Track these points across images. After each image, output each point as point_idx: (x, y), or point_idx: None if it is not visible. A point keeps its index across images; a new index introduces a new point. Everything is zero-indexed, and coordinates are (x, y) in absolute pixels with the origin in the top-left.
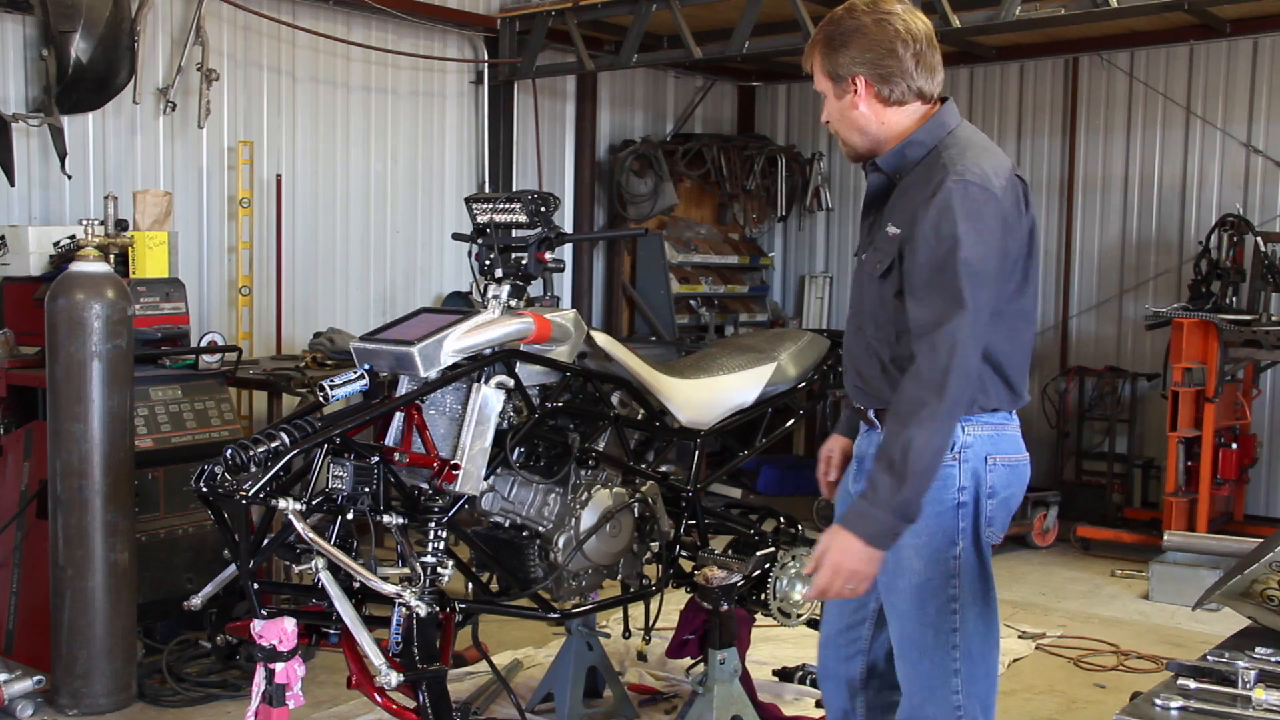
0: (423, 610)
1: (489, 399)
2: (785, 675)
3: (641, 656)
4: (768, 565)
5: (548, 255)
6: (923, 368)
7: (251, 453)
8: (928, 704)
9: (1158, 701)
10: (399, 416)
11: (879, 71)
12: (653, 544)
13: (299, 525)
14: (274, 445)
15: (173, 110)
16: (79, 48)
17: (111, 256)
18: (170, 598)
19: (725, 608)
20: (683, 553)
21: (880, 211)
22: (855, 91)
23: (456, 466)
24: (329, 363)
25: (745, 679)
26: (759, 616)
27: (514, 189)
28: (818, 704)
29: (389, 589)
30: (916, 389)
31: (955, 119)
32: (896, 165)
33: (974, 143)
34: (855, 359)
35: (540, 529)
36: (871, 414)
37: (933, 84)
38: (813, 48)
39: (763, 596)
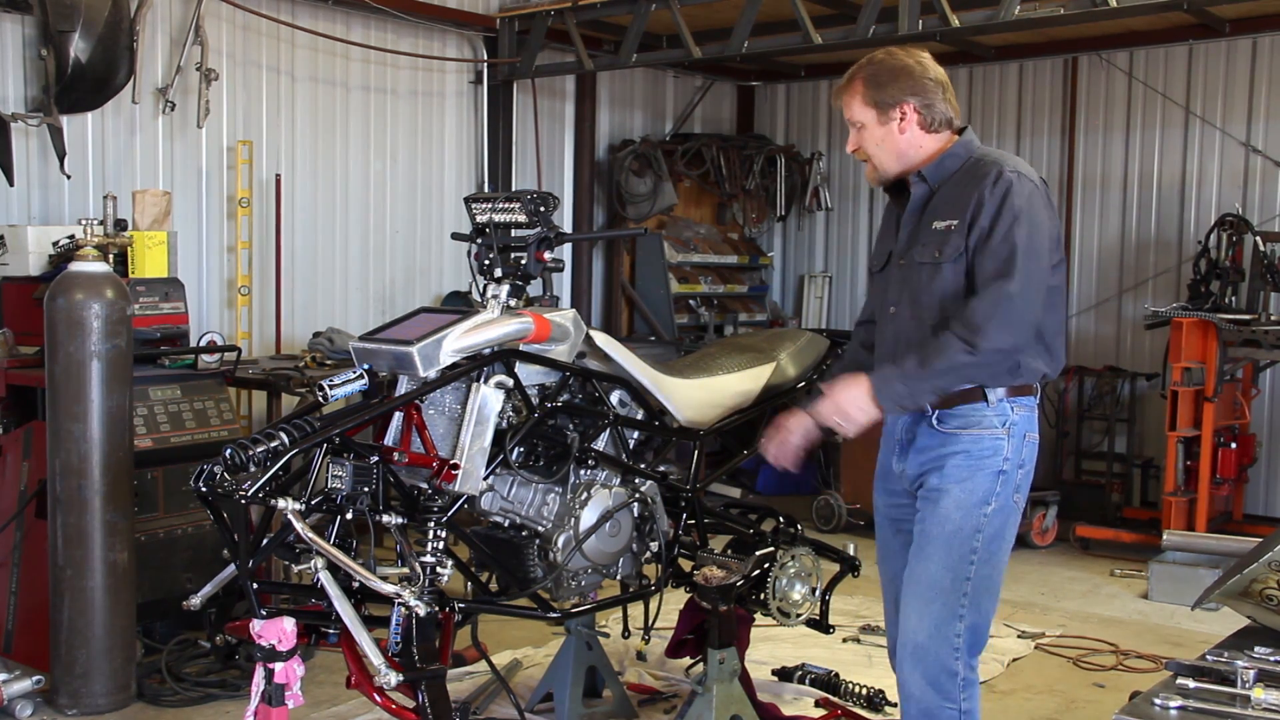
0: (422, 610)
1: (488, 399)
2: (784, 675)
3: (641, 656)
4: (767, 565)
5: (547, 255)
6: (974, 309)
7: (251, 452)
8: (931, 640)
9: (1157, 701)
10: (398, 416)
11: (925, 101)
12: (652, 544)
13: (298, 525)
14: (273, 445)
15: (172, 110)
16: (78, 47)
17: (111, 256)
18: (169, 597)
19: (724, 608)
20: (682, 552)
21: (921, 216)
22: (903, 118)
23: (456, 466)
24: (328, 362)
25: (744, 679)
26: (758, 616)
27: (513, 189)
28: (817, 704)
29: (388, 589)
30: (965, 324)
31: (978, 140)
32: (939, 176)
33: (1005, 153)
34: (904, 348)
35: (539, 529)
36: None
37: (957, 118)
38: (852, 84)
39: (762, 596)
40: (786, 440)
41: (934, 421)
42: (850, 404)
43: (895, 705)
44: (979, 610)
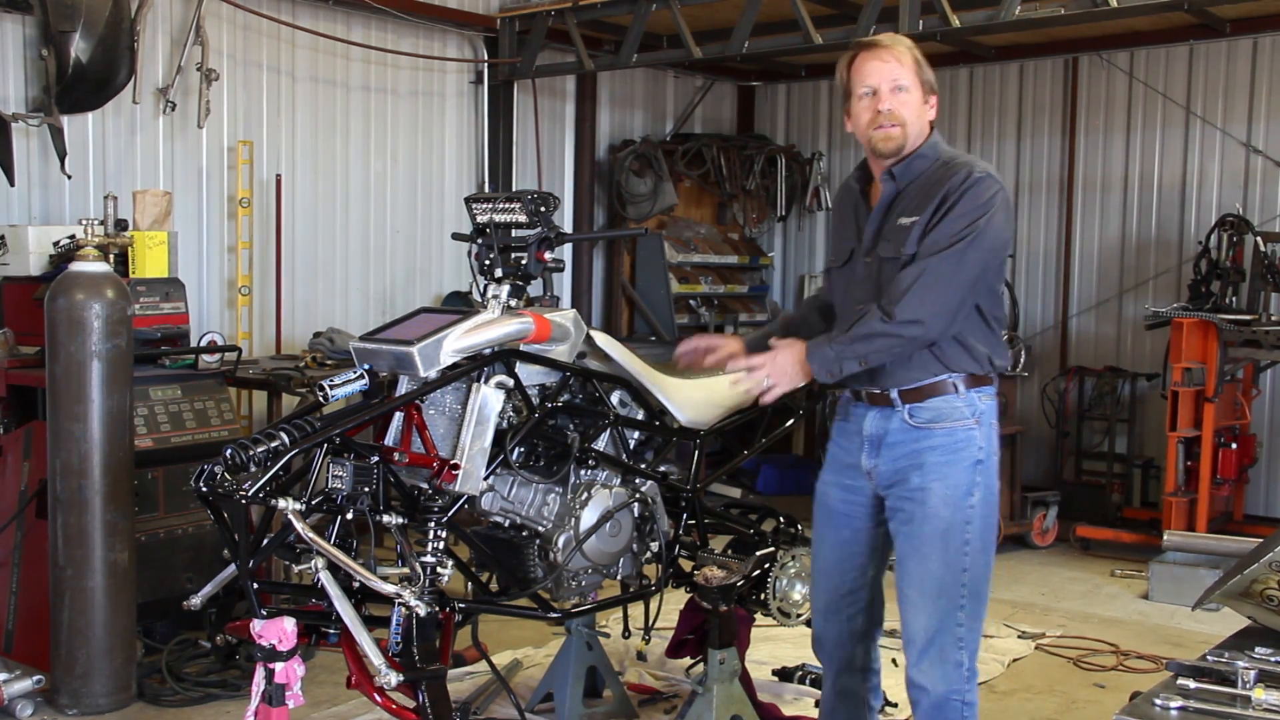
0: (422, 610)
1: (489, 399)
2: (785, 675)
3: (641, 656)
4: (767, 565)
5: (547, 255)
6: (899, 279)
7: (251, 452)
8: (939, 634)
9: (1157, 701)
10: (399, 416)
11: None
12: (652, 544)
13: (298, 525)
14: (274, 445)
15: (172, 110)
16: (79, 47)
17: (111, 256)
18: (170, 597)
19: (725, 608)
20: (682, 552)
21: (886, 214)
22: (933, 106)
23: (456, 466)
24: (329, 362)
25: (745, 679)
26: (759, 616)
27: (514, 189)
28: (817, 704)
29: (389, 589)
30: (889, 296)
31: (944, 142)
32: (907, 175)
33: (973, 156)
34: None
35: (540, 529)
36: (894, 394)
37: None
38: (900, 48)
39: (762, 596)
40: (710, 352)
41: (906, 416)
42: (782, 368)
43: (895, 705)
44: (978, 599)
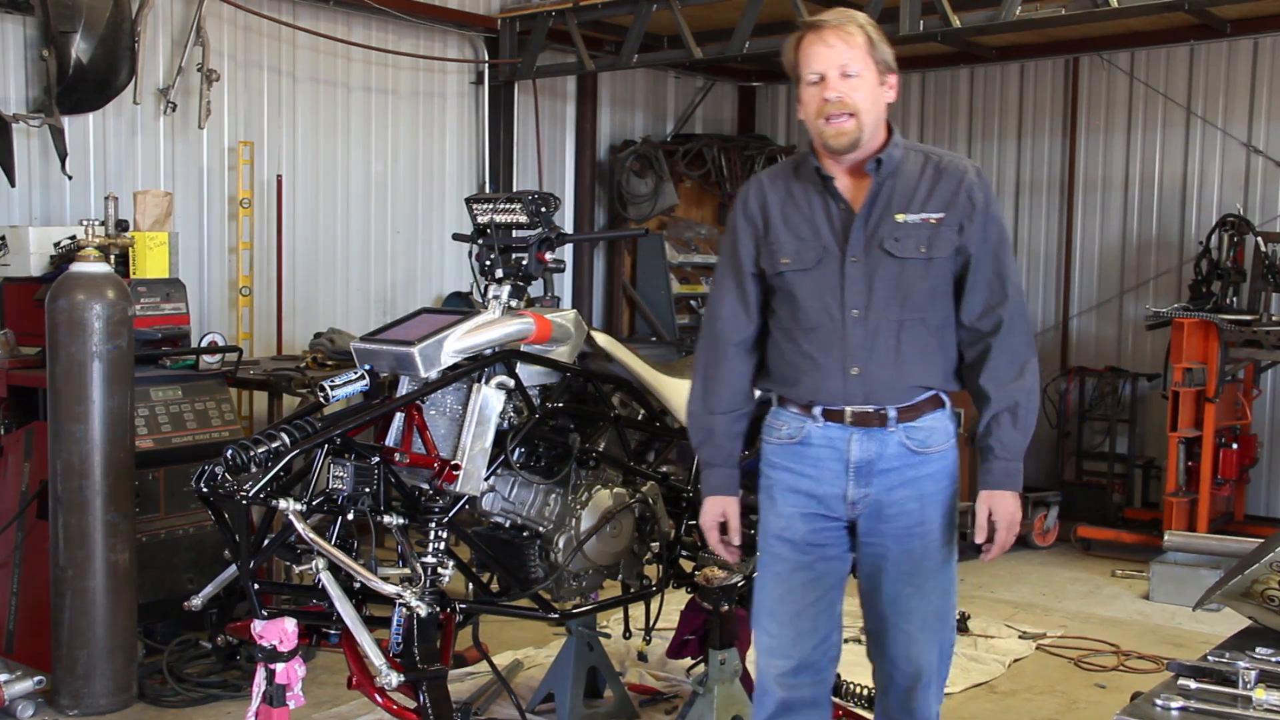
0: (423, 611)
1: (489, 399)
2: None
3: (642, 657)
4: None
5: (548, 255)
6: (1016, 330)
7: (252, 453)
8: (941, 666)
9: (1158, 702)
10: (399, 417)
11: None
12: (653, 544)
13: (299, 526)
14: (274, 446)
15: (173, 111)
16: (79, 48)
17: (112, 257)
18: (171, 598)
19: (726, 608)
20: (683, 553)
21: (873, 207)
22: (891, 87)
23: (457, 467)
24: (329, 363)
25: (746, 679)
26: None
27: (514, 189)
28: None
29: (389, 589)
30: (1015, 351)
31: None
32: (890, 166)
33: (930, 145)
34: (873, 353)
35: (541, 529)
36: (892, 413)
37: None
38: (851, 29)
39: None
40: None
41: (904, 439)
42: (1013, 529)
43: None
44: (955, 604)
